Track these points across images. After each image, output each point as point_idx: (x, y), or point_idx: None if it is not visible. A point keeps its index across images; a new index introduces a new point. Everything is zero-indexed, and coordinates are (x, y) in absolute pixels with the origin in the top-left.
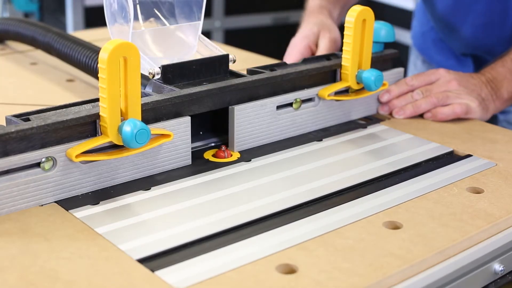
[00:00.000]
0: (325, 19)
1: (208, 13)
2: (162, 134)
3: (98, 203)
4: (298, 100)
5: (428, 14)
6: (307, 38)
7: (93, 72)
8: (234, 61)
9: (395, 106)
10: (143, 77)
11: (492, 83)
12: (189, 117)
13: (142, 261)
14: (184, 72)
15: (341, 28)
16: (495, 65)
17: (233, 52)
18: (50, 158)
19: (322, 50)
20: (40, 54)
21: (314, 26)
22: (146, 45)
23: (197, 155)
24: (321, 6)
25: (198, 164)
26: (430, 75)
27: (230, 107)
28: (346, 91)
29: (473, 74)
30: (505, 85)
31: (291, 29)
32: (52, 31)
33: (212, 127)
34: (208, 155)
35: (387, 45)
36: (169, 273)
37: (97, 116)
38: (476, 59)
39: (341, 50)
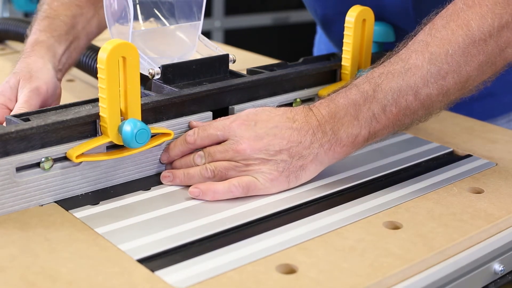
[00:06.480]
0: (33, 62)
1: (208, 13)
2: (163, 133)
3: (98, 203)
4: (298, 100)
5: None
6: (2, 95)
7: (93, 72)
8: (234, 61)
9: (176, 168)
10: (143, 77)
11: (330, 123)
12: (211, 112)
13: (142, 261)
14: (184, 72)
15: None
16: (337, 95)
17: (233, 52)
18: (50, 158)
19: (20, 106)
20: None
21: (13, 76)
22: (146, 45)
23: None
24: (37, 42)
25: None
26: (217, 131)
27: (230, 107)
28: None
29: (298, 116)
30: (345, 125)
31: (291, 29)
32: None
33: None
34: None
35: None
36: (169, 273)
37: (97, 116)
38: None
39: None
